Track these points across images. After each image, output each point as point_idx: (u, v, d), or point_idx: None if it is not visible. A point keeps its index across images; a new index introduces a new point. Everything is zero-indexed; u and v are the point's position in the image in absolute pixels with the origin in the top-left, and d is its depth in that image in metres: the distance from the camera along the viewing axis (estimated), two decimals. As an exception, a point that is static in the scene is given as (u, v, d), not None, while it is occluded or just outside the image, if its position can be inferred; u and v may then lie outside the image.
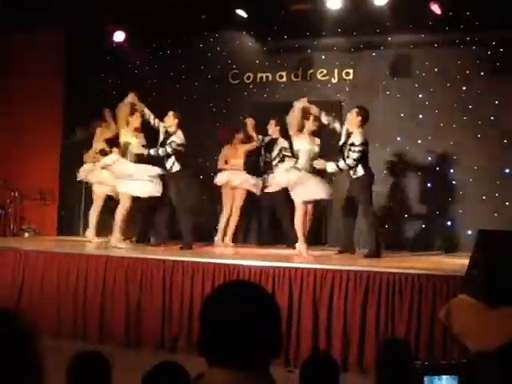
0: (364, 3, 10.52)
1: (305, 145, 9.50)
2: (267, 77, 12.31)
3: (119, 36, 12.08)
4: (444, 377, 2.34)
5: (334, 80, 11.89)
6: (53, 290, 9.06)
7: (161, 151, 9.94)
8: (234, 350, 1.91)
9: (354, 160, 9.12)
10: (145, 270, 8.62)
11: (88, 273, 8.91)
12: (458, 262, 8.27)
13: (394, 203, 11.26)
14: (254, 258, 8.67)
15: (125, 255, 9.02)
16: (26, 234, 12.38)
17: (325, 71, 11.95)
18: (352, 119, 9.40)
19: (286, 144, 10.32)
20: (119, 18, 11.64)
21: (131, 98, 10.21)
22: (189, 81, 12.53)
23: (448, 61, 11.11)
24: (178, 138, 9.98)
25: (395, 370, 4.08)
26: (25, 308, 8.90)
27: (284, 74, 12.20)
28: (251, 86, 12.42)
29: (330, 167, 9.32)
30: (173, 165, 9.95)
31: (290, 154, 10.06)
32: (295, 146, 9.60)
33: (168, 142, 9.95)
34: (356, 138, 9.19)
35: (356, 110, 9.43)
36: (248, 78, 12.40)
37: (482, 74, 10.95)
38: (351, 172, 9.25)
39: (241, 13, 11.70)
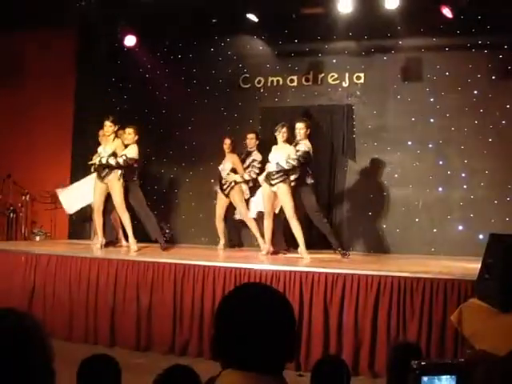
0: (375, 7, 10.51)
1: None
2: (278, 81, 12.30)
3: (130, 40, 12.11)
4: (442, 377, 2.32)
5: (345, 84, 11.86)
6: (64, 294, 9.08)
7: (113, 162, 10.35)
8: (248, 353, 1.91)
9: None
10: (156, 273, 8.63)
11: (99, 276, 8.93)
12: (469, 266, 8.24)
13: (405, 207, 11.23)
14: (265, 262, 8.69)
15: (136, 259, 9.03)
16: (38, 238, 12.41)
17: (336, 75, 11.92)
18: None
19: (258, 157, 10.77)
20: (131, 21, 11.68)
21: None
22: (200, 85, 12.54)
23: (459, 65, 11.08)
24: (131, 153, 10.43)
25: (406, 373, 4.06)
26: (36, 311, 8.92)
27: (295, 78, 12.19)
28: (262, 90, 12.41)
29: None
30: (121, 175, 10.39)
31: (259, 166, 10.67)
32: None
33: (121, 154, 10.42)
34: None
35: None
36: (259, 82, 12.40)
37: (493, 77, 10.91)
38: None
39: (251, 17, 11.70)
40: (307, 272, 7.89)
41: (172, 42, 12.74)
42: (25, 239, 12.43)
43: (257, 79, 12.40)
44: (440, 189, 11.11)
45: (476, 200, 10.90)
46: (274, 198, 9.82)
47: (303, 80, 12.14)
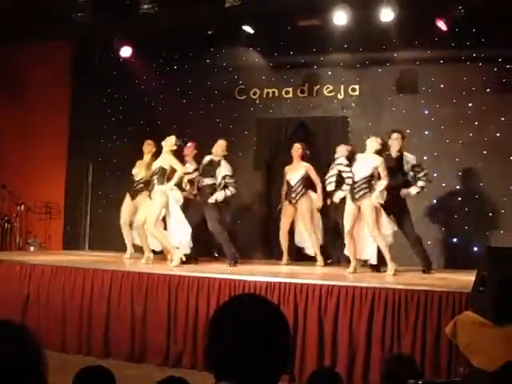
0: (370, 19, 10.54)
1: None
2: (273, 92, 12.32)
3: (126, 51, 12.13)
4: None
5: (340, 96, 11.89)
6: (58, 304, 9.06)
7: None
8: (242, 365, 1.90)
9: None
10: (150, 284, 8.61)
11: (93, 287, 8.92)
12: (464, 279, 8.24)
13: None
14: (261, 274, 8.68)
15: (130, 270, 9.02)
16: (32, 248, 12.41)
17: (331, 87, 11.96)
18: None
19: (229, 171, 10.45)
20: (127, 32, 11.70)
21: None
22: (195, 96, 12.57)
23: (454, 77, 11.11)
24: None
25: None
26: (30, 321, 8.89)
27: (290, 89, 12.22)
28: (257, 102, 12.44)
29: None
30: None
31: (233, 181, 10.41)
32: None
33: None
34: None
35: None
36: (254, 93, 12.42)
37: (488, 90, 10.94)
38: None
39: (247, 29, 11.74)
40: (302, 284, 7.88)
41: (168, 53, 12.77)
42: (19, 249, 12.41)
43: (252, 91, 12.43)
44: (434, 201, 11.12)
45: (471, 212, 10.92)
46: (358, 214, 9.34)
47: (298, 92, 12.17)
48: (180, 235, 9.87)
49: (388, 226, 9.29)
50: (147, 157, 10.91)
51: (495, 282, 6.32)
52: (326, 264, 10.62)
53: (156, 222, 9.86)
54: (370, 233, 9.19)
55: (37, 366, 1.75)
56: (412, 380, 2.39)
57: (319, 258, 10.55)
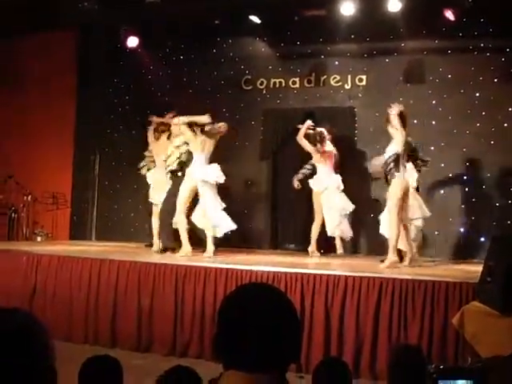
0: (377, 9, 10.52)
1: None
2: (280, 82, 12.30)
3: (133, 41, 12.13)
4: (459, 381, 2.31)
5: (347, 86, 11.87)
6: (65, 294, 9.07)
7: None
8: (250, 354, 1.89)
9: None
10: (157, 274, 8.62)
11: (100, 277, 8.93)
12: (471, 269, 8.23)
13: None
14: (267, 264, 8.68)
15: (137, 260, 9.02)
16: (39, 238, 12.43)
17: (338, 77, 11.93)
18: None
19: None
20: (133, 22, 11.69)
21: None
22: (202, 86, 12.55)
23: (461, 67, 11.07)
24: None
25: (408, 376, 4.06)
26: (36, 311, 8.91)
27: (297, 79, 12.20)
28: (264, 92, 12.42)
29: None
30: None
31: None
32: None
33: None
34: None
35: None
36: (261, 83, 12.40)
37: (495, 80, 10.90)
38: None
39: (254, 19, 11.71)
40: (308, 274, 7.87)
41: (174, 44, 12.76)
42: (26, 239, 12.44)
43: (259, 81, 12.41)
44: (442, 191, 11.10)
45: (478, 203, 10.90)
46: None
47: (305, 82, 12.15)
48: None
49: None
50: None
51: (502, 272, 6.31)
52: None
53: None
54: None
55: (45, 356, 1.75)
56: (432, 365, 2.37)
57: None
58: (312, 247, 10.61)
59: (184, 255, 9.63)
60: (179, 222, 9.78)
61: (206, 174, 9.65)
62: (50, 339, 1.79)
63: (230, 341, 1.92)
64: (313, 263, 9.61)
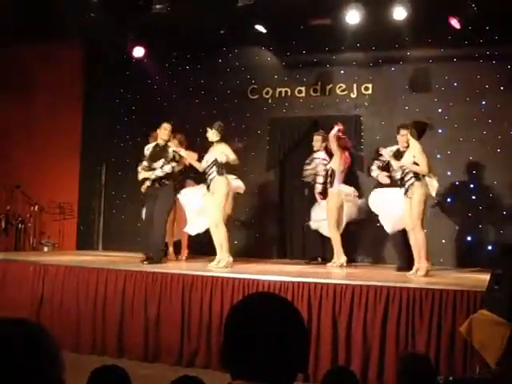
0: (383, 18, 10.51)
1: None
2: (286, 92, 12.31)
3: (139, 52, 12.15)
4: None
5: (353, 95, 11.87)
6: (72, 304, 9.09)
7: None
8: (257, 364, 1.88)
9: None
10: (164, 284, 8.62)
11: (107, 287, 8.93)
12: (479, 277, 8.21)
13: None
14: (274, 273, 8.67)
15: (144, 269, 9.02)
16: (46, 249, 12.44)
17: (344, 86, 11.94)
18: None
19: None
20: (139, 32, 11.72)
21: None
22: (208, 96, 12.57)
23: (467, 75, 11.07)
24: None
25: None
26: (44, 321, 8.91)
27: (303, 89, 12.20)
28: (270, 101, 12.43)
29: None
30: None
31: None
32: None
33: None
34: None
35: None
36: (267, 92, 12.42)
37: (501, 88, 10.90)
38: None
39: (260, 28, 11.73)
40: (316, 283, 7.87)
41: (180, 53, 12.79)
42: (33, 250, 12.45)
43: (265, 90, 12.42)
44: (448, 199, 11.08)
45: (484, 211, 10.87)
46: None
47: (311, 91, 12.16)
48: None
49: None
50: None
51: (510, 280, 6.30)
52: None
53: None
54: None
55: (54, 367, 1.75)
56: (441, 376, 2.37)
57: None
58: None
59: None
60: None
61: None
62: (59, 350, 1.79)
63: (237, 350, 1.92)
64: (321, 272, 9.58)
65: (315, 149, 10.94)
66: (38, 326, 1.80)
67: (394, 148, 9.98)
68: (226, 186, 9.50)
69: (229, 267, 9.32)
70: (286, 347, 1.90)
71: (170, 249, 11.01)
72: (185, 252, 10.99)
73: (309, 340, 2.00)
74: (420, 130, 8.99)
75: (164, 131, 10.17)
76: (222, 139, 9.66)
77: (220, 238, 9.49)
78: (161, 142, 10.18)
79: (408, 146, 9.27)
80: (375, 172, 10.34)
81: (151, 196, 10.16)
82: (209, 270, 9.06)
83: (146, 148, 10.31)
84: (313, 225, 10.75)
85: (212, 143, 9.69)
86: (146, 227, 10.21)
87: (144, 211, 10.46)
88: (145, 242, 10.25)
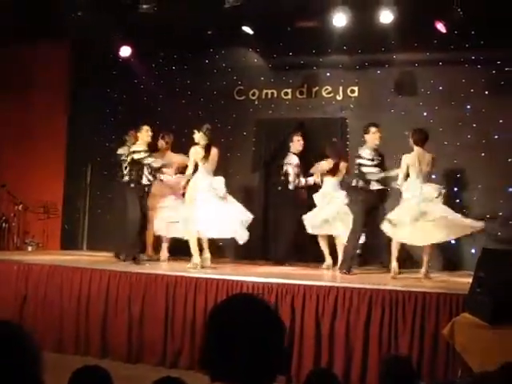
0: (369, 21, 10.54)
1: None
2: (272, 93, 12.33)
3: (125, 51, 12.12)
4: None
5: (339, 97, 11.90)
6: (55, 304, 9.06)
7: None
8: (237, 365, 1.89)
9: None
10: (148, 284, 8.62)
11: (91, 287, 8.91)
12: (462, 281, 8.25)
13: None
14: (258, 275, 8.69)
15: (128, 270, 9.01)
16: (30, 248, 12.38)
17: (330, 88, 11.96)
18: None
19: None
20: (126, 32, 11.69)
21: None
22: (194, 97, 12.57)
23: (453, 79, 11.12)
24: None
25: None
26: (27, 321, 8.89)
27: (289, 91, 12.22)
28: (256, 103, 12.43)
29: None
30: None
31: None
32: None
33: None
34: None
35: None
36: (253, 94, 12.42)
37: (486, 92, 10.95)
38: None
39: (247, 29, 11.74)
40: (299, 284, 7.88)
41: (167, 54, 12.78)
42: (17, 249, 12.39)
43: (251, 91, 12.43)
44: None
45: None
46: None
47: (297, 93, 12.18)
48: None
49: None
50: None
51: (491, 283, 6.34)
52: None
53: None
54: None
55: (34, 366, 1.75)
56: (423, 382, 2.39)
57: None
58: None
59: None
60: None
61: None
62: (40, 352, 1.79)
63: (216, 352, 1.92)
64: (303, 274, 9.59)
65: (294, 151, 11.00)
66: (18, 327, 1.81)
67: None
68: None
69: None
70: (264, 349, 1.91)
71: (149, 247, 11.05)
72: (165, 252, 10.93)
73: (289, 343, 2.02)
74: (423, 139, 9.19)
75: (146, 133, 10.36)
76: (210, 142, 9.83)
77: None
78: (141, 146, 10.33)
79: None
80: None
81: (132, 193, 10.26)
82: (193, 271, 9.07)
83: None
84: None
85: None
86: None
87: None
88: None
